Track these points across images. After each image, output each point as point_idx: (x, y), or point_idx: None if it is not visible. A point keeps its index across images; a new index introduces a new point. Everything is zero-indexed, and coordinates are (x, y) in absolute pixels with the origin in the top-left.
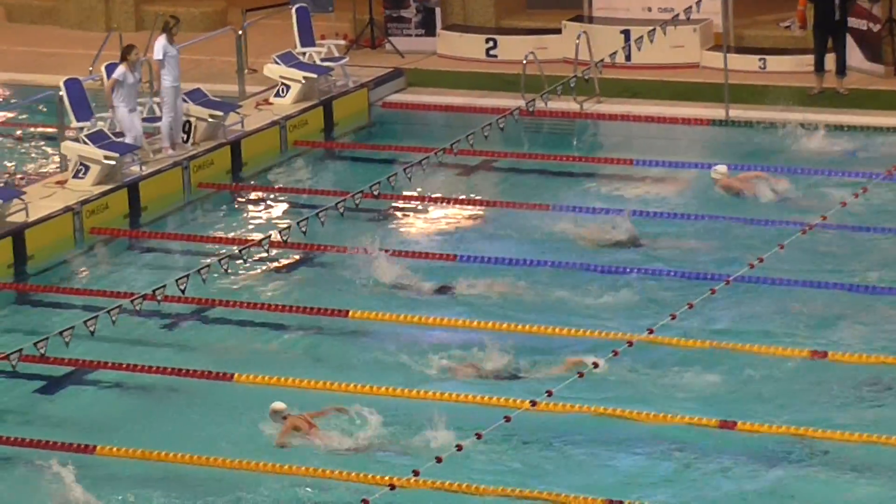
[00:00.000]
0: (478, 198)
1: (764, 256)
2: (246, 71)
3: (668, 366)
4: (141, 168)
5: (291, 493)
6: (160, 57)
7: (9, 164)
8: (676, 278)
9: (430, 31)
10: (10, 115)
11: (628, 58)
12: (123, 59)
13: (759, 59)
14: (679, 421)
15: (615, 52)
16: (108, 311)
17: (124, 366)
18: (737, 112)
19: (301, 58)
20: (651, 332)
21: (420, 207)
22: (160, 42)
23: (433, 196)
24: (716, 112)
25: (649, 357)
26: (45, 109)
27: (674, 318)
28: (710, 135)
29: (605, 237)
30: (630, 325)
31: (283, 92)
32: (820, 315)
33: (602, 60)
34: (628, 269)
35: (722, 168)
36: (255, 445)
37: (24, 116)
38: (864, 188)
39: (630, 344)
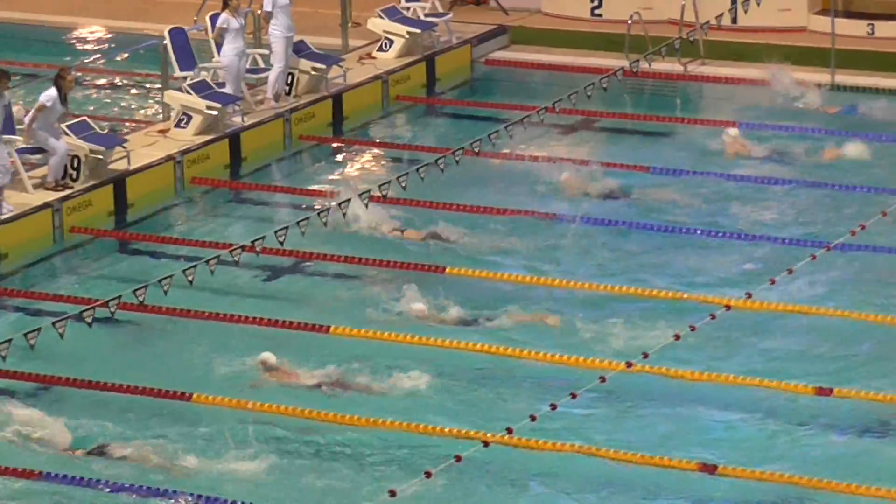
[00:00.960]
0: (578, 157)
1: (866, 224)
2: (350, 24)
3: (765, 331)
4: (242, 119)
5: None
6: (269, 8)
7: (112, 113)
8: (776, 244)
9: None
10: (114, 63)
11: (734, 20)
12: (225, 5)
13: (868, 25)
14: (776, 386)
15: (721, 14)
16: (207, 262)
17: (220, 315)
18: (842, 77)
19: (405, 12)
20: (750, 296)
21: (521, 166)
22: None
23: (534, 154)
24: (821, 77)
25: (748, 322)
26: (148, 58)
27: (773, 282)
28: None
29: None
30: (730, 289)
31: (386, 46)
32: None
33: (708, 22)
34: (729, 234)
35: (733, 131)
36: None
37: (128, 65)
38: None
39: (728, 308)
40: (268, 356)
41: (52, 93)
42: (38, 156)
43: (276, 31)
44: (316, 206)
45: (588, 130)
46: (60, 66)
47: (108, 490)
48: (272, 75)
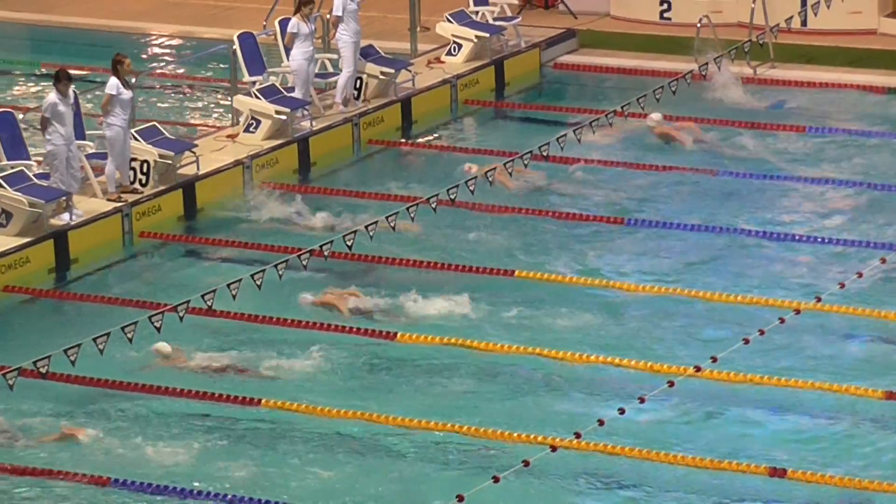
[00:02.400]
0: (644, 162)
1: None
2: (418, 29)
3: (834, 335)
4: (311, 123)
5: None
6: (340, 13)
7: (181, 117)
8: (846, 246)
9: None
10: (184, 68)
11: (804, 23)
12: (297, 10)
13: None
14: (845, 391)
15: (791, 17)
16: (276, 266)
17: (288, 321)
18: None
19: (474, 17)
20: (819, 300)
21: (585, 169)
22: None
23: (600, 158)
24: (892, 80)
25: (816, 325)
26: (218, 63)
27: (842, 286)
28: (886, 103)
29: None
30: (798, 294)
31: (454, 50)
32: None
33: (777, 25)
34: (799, 237)
35: (657, 116)
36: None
37: (197, 70)
38: None
39: (797, 312)
40: (162, 345)
41: (113, 81)
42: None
43: (345, 36)
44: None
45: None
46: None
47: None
48: (341, 80)
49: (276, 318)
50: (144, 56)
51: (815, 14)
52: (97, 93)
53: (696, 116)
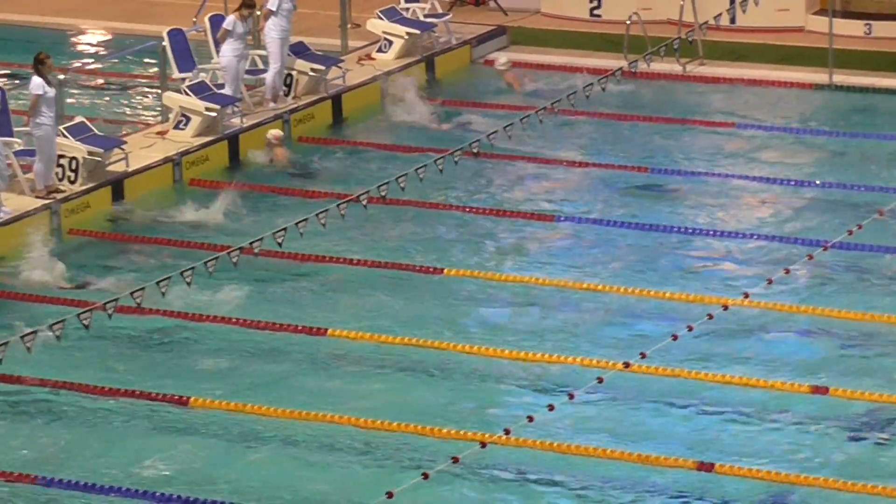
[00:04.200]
0: (576, 158)
1: (862, 224)
2: (349, 25)
3: (762, 330)
4: (242, 120)
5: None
6: (273, 8)
7: (110, 114)
8: (775, 242)
9: None
10: (113, 64)
11: (733, 20)
12: (238, 8)
13: (865, 25)
14: (772, 386)
15: (720, 15)
16: (206, 263)
17: (218, 318)
18: (841, 77)
19: (404, 13)
20: (747, 296)
21: (522, 166)
22: None
23: (533, 155)
24: (819, 77)
25: (744, 321)
26: (148, 60)
27: (770, 283)
28: (813, 99)
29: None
30: (727, 290)
31: (385, 47)
32: None
33: (706, 22)
34: (726, 233)
35: (503, 58)
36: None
37: (126, 66)
38: None
39: (725, 308)
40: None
41: (37, 80)
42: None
43: (273, 32)
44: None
45: (587, 131)
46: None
47: None
48: (269, 76)
49: (206, 316)
50: (73, 53)
51: (744, 11)
52: (24, 91)
53: (622, 112)
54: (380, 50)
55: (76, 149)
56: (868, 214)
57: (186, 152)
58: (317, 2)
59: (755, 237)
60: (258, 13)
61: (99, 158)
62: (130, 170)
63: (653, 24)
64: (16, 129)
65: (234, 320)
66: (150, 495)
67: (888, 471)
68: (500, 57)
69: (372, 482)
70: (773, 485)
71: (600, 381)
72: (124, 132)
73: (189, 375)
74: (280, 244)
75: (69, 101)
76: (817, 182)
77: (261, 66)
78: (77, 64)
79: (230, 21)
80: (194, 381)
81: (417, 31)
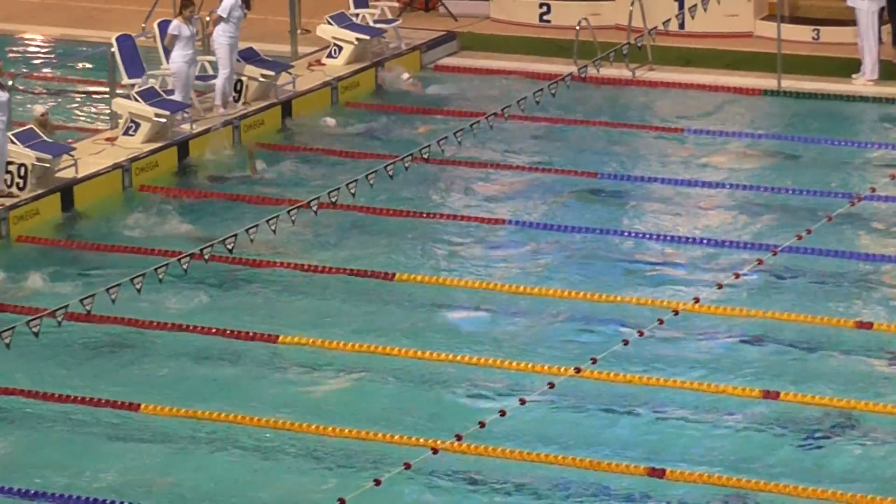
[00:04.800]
0: (526, 163)
1: (812, 228)
2: (299, 31)
3: (713, 335)
4: (191, 126)
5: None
6: (224, 14)
7: (60, 120)
8: (724, 248)
9: None
10: (62, 70)
11: (682, 26)
12: (179, 12)
13: (813, 30)
14: (723, 390)
15: (668, 20)
16: (156, 269)
17: (169, 325)
18: (789, 82)
19: (354, 19)
20: (697, 301)
21: (473, 172)
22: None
23: (484, 161)
24: (768, 82)
25: (695, 325)
26: (96, 66)
27: (720, 287)
28: (762, 105)
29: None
30: (677, 295)
31: (335, 53)
32: (862, 287)
33: (655, 28)
34: (677, 238)
35: (406, 75)
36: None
37: (75, 72)
38: None
39: (676, 313)
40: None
41: None
42: None
43: (221, 38)
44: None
45: (538, 136)
46: None
47: None
48: (219, 82)
49: (156, 323)
50: (21, 58)
51: (693, 17)
52: None
53: (572, 118)
54: (330, 55)
55: (25, 155)
56: (817, 219)
57: (136, 158)
58: (266, 7)
59: (705, 242)
60: (207, 18)
61: (48, 165)
62: (80, 176)
63: (602, 29)
64: None
65: (184, 326)
66: (101, 503)
67: (839, 475)
68: (403, 74)
69: (324, 488)
70: (725, 490)
71: (551, 386)
72: (73, 139)
73: (140, 382)
74: (231, 250)
75: (16, 106)
76: (767, 187)
77: (211, 73)
78: (25, 70)
79: (175, 26)
80: (145, 388)
81: (367, 37)
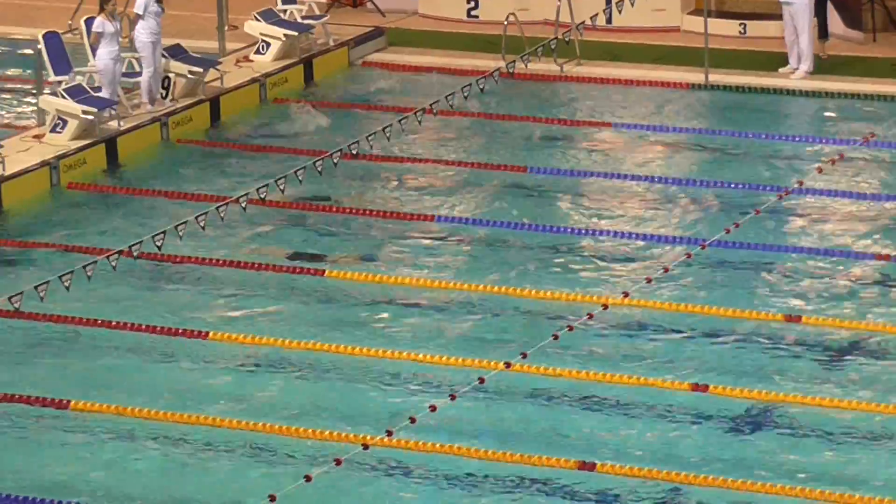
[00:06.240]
0: (455, 158)
1: (740, 222)
2: (226, 27)
3: (641, 329)
4: (119, 123)
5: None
6: (140, 11)
7: None
8: (653, 242)
9: None
10: None
11: (609, 20)
12: (101, 9)
13: (740, 24)
14: (652, 384)
15: (596, 15)
16: (84, 267)
17: (98, 322)
18: (717, 76)
19: (282, 15)
20: (626, 295)
21: (401, 167)
22: None
23: (412, 156)
24: (695, 76)
25: (623, 320)
26: (23, 63)
27: (649, 281)
28: (689, 99)
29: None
30: (606, 289)
31: (263, 49)
32: (790, 280)
33: (583, 23)
34: (607, 233)
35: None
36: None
37: (2, 69)
38: (840, 154)
39: (605, 307)
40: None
41: None
42: None
43: (142, 36)
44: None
45: (466, 131)
46: None
47: None
48: (143, 80)
49: (86, 319)
50: None
51: (620, 12)
52: None
53: (500, 113)
54: (257, 52)
55: None
56: (745, 213)
57: (64, 156)
58: (194, 4)
59: (634, 236)
60: (132, 15)
61: None
62: (7, 174)
63: (530, 24)
64: None
65: (113, 324)
66: (30, 502)
67: (768, 467)
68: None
69: (254, 485)
70: (655, 483)
71: (482, 381)
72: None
73: (69, 379)
74: (159, 247)
75: None
76: (695, 181)
77: (138, 69)
78: None
79: (98, 23)
80: (75, 385)
81: (295, 33)
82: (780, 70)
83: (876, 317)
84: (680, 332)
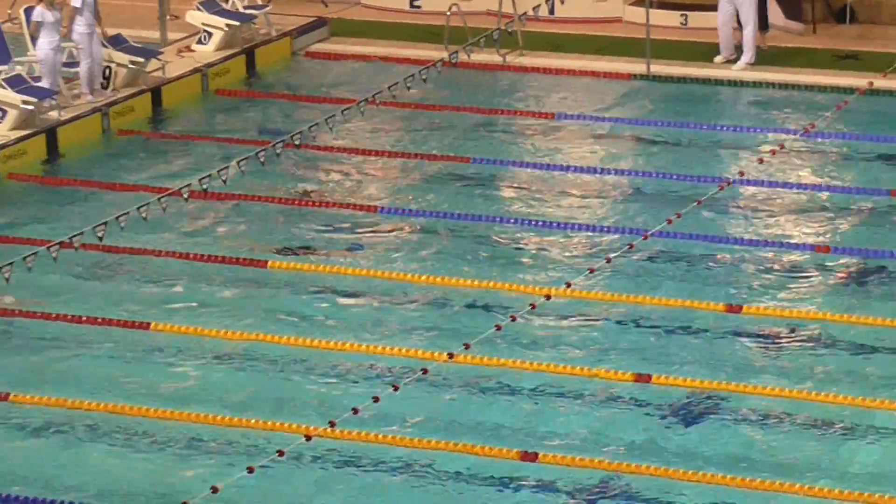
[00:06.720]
0: (398, 148)
1: (682, 212)
2: (168, 17)
3: (584, 319)
4: (59, 113)
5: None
6: (78, 4)
7: None
8: (596, 232)
9: None
10: None
11: (552, 11)
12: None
13: (681, 15)
14: (595, 374)
15: (538, 6)
16: (24, 259)
17: (39, 314)
18: (658, 67)
19: (224, 5)
20: (569, 285)
21: (344, 158)
22: None
23: (355, 147)
24: (637, 67)
25: (566, 310)
26: None
27: (592, 272)
28: (631, 89)
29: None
30: (549, 280)
31: (205, 39)
32: (731, 270)
33: (525, 14)
34: (548, 224)
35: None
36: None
37: None
38: (780, 145)
39: (548, 297)
40: None
41: None
42: None
43: (78, 27)
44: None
45: (408, 122)
46: None
47: None
48: (82, 70)
49: (25, 311)
50: None
51: (562, 2)
52: None
53: (443, 103)
54: (199, 42)
55: None
56: (687, 203)
57: (3, 146)
58: None
59: (576, 227)
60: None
61: None
62: None
63: (473, 15)
64: None
65: (54, 316)
66: None
67: (709, 457)
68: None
69: (196, 477)
70: (597, 472)
71: (425, 372)
72: None
73: (7, 372)
74: (101, 238)
75: None
76: (637, 171)
77: (78, 60)
78: None
79: (38, 13)
80: (13, 377)
81: (237, 23)
82: (715, 60)
83: (815, 306)
84: (622, 322)
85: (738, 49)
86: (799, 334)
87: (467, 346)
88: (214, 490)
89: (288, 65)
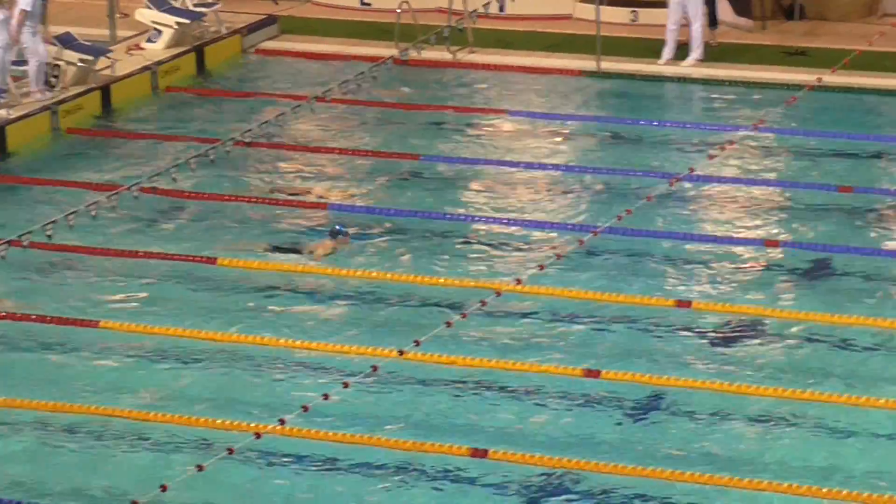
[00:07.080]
0: (348, 146)
1: (632, 209)
2: (117, 15)
3: (535, 316)
4: (8, 112)
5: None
6: (29, 8)
7: None
8: (546, 228)
9: None
10: None
11: (502, 8)
12: None
13: (631, 12)
14: (545, 370)
15: (489, 3)
16: None
17: None
18: (608, 64)
19: (174, 2)
20: (519, 282)
21: (294, 155)
22: None
23: (306, 144)
24: (587, 63)
25: (517, 306)
26: None
27: (542, 268)
28: (581, 86)
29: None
30: (499, 276)
31: (154, 37)
32: (681, 266)
33: (476, 11)
34: (499, 220)
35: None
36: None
37: None
38: (730, 141)
39: (498, 294)
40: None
41: None
42: None
43: (25, 28)
44: (86, 199)
45: (359, 119)
46: None
47: None
48: (31, 68)
49: None
50: None
51: (513, 0)
52: None
53: (393, 101)
54: (149, 40)
55: None
56: (637, 199)
57: None
58: None
59: (526, 223)
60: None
61: None
62: None
63: (423, 12)
64: None
65: (2, 314)
66: None
67: (660, 453)
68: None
69: (146, 475)
70: (548, 469)
71: (375, 369)
72: None
73: None
74: (50, 236)
75: None
76: (587, 168)
77: (26, 58)
78: None
79: None
80: None
81: (187, 21)
82: (659, 62)
83: (765, 301)
84: (572, 318)
85: (686, 47)
86: (748, 329)
87: (417, 343)
88: (164, 488)
89: (238, 62)
